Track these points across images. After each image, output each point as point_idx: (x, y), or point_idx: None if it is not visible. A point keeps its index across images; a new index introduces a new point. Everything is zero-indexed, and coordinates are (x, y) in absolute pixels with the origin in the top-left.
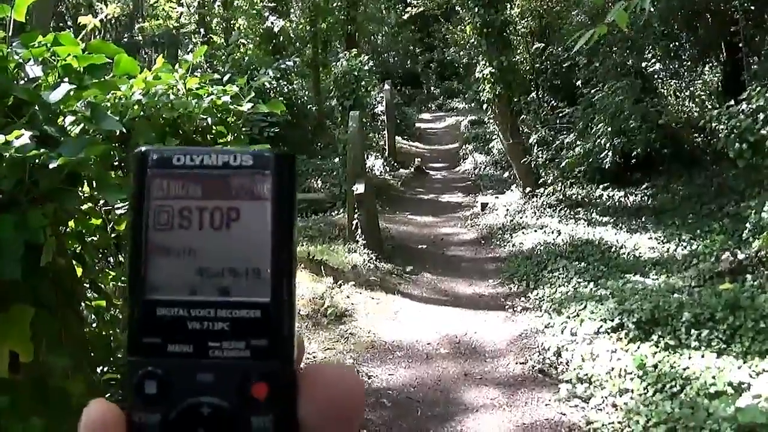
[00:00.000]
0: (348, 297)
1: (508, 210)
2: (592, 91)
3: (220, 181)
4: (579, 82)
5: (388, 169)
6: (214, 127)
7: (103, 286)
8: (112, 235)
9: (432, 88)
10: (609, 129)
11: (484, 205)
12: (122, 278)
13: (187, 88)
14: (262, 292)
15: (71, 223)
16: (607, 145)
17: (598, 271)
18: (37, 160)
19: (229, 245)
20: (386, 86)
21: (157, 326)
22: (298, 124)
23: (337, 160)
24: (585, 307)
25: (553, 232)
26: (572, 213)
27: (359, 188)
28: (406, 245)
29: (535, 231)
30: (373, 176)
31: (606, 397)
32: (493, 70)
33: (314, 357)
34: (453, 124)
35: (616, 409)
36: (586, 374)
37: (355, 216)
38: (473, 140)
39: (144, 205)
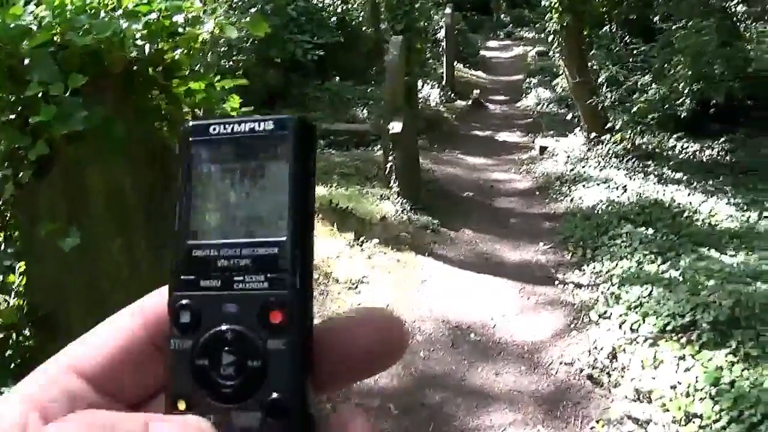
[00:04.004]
0: (369, 258)
1: (569, 157)
2: (674, 27)
3: (247, 144)
4: (656, 18)
5: (444, 100)
6: (167, 57)
7: None
8: None
9: (502, 15)
10: (689, 73)
11: (543, 149)
12: None
13: (124, 6)
14: (280, 233)
15: None
16: (686, 90)
17: (667, 241)
18: None
19: (255, 197)
20: (447, 10)
21: (193, 265)
22: (352, 47)
23: None
24: (650, 293)
25: (618, 188)
26: (641, 165)
27: (395, 127)
28: (450, 191)
29: (598, 185)
30: (427, 107)
31: (668, 425)
32: None
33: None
34: (520, 54)
35: None
36: (646, 389)
37: (390, 158)
38: (538, 73)
39: (186, 168)
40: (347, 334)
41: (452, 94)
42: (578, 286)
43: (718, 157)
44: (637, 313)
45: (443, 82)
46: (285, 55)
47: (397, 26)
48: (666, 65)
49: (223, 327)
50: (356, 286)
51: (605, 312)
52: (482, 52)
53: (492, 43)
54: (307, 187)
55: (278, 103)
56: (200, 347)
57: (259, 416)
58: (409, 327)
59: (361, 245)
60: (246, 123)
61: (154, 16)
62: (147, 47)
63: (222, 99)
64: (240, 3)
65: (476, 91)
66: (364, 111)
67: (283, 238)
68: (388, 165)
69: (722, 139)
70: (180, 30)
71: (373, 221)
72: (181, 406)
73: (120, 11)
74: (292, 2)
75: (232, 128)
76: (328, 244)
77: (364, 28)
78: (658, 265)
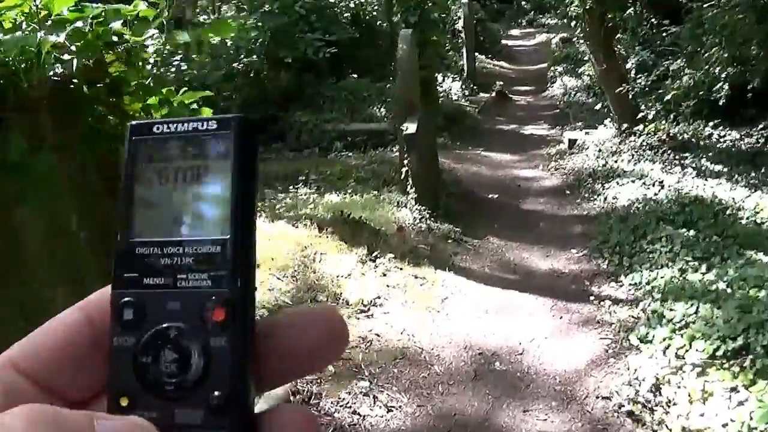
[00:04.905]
0: (384, 275)
1: (600, 150)
2: (705, 6)
3: (190, 143)
4: None
5: (466, 93)
6: (113, 70)
7: None
8: None
9: (522, 2)
10: (725, 55)
11: (572, 142)
12: None
13: (55, 14)
14: (222, 231)
15: None
16: (723, 75)
17: (711, 244)
18: None
19: (198, 196)
20: (464, 0)
21: (136, 263)
22: (368, 42)
23: None
24: (697, 310)
25: (654, 184)
26: (677, 158)
27: (409, 127)
28: (474, 193)
29: (633, 181)
30: (449, 102)
31: None
32: None
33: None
34: (543, 41)
35: None
36: (694, 427)
37: (405, 162)
38: (563, 61)
39: (129, 167)
40: (289, 331)
41: (474, 87)
42: (615, 301)
43: (758, 145)
44: (682, 336)
45: (464, 75)
46: (296, 54)
47: (411, 18)
48: (700, 48)
49: (166, 324)
50: (368, 309)
51: (647, 335)
52: (504, 41)
53: (514, 32)
54: (249, 185)
55: (292, 104)
56: (143, 344)
57: (201, 414)
58: (427, 355)
59: (374, 261)
60: (189, 122)
61: (80, 24)
62: (75, 62)
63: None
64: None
65: (499, 83)
66: (382, 109)
67: (226, 237)
68: (404, 169)
69: (761, 126)
70: (119, 38)
71: (389, 232)
72: (124, 402)
73: (49, 22)
74: None
75: (176, 127)
76: (338, 261)
77: (379, 23)
78: (703, 274)
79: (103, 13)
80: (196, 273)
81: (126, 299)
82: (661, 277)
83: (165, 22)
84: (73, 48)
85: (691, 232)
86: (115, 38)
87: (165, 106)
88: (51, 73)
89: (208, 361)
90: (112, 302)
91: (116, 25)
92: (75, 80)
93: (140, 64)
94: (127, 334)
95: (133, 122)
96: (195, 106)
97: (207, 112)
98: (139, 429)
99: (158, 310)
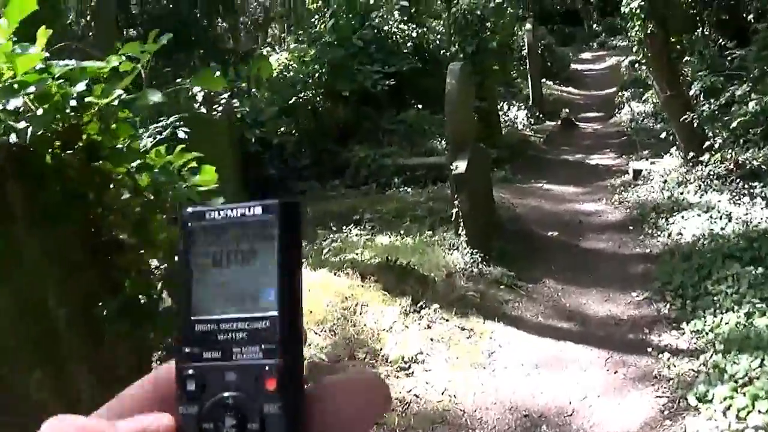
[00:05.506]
0: (428, 327)
1: (665, 181)
2: None
3: (239, 228)
4: (750, 17)
5: (532, 122)
6: (90, 131)
7: None
8: None
9: (593, 25)
10: None
11: (636, 173)
12: None
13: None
14: (271, 308)
15: None
16: None
17: None
18: None
19: (248, 276)
20: (527, 26)
21: (196, 339)
22: (431, 72)
23: None
24: (762, 362)
25: (721, 218)
26: (746, 187)
27: (459, 166)
28: (532, 231)
29: (699, 215)
30: (514, 131)
31: None
32: (643, 3)
33: None
34: (614, 64)
35: None
36: None
37: (455, 203)
38: (631, 85)
39: (185, 252)
40: (335, 396)
41: (540, 115)
42: (675, 352)
43: None
44: (745, 395)
45: (530, 102)
46: (351, 87)
47: (468, 48)
48: (766, 69)
49: (225, 394)
50: (409, 366)
51: (706, 393)
52: (574, 66)
53: (585, 55)
54: (293, 264)
55: (350, 139)
56: (205, 412)
57: None
58: (468, 418)
59: (418, 311)
60: (237, 209)
61: (32, 89)
62: (30, 130)
63: (181, 175)
64: (305, 37)
65: (565, 110)
66: (442, 142)
67: (275, 313)
68: (454, 210)
69: None
70: (79, 102)
71: (438, 278)
72: None
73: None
74: (358, 30)
75: (225, 213)
76: (380, 313)
77: (443, 52)
78: None
79: (70, 72)
80: (249, 346)
81: (188, 372)
82: (725, 323)
83: (144, 78)
84: (40, 112)
85: (759, 270)
86: (74, 102)
87: (144, 171)
88: None
89: (264, 426)
90: (177, 375)
91: (80, 86)
92: (38, 146)
93: (114, 126)
94: (190, 403)
95: (188, 209)
96: (194, 164)
97: (209, 170)
98: (157, 421)
99: (217, 381)
